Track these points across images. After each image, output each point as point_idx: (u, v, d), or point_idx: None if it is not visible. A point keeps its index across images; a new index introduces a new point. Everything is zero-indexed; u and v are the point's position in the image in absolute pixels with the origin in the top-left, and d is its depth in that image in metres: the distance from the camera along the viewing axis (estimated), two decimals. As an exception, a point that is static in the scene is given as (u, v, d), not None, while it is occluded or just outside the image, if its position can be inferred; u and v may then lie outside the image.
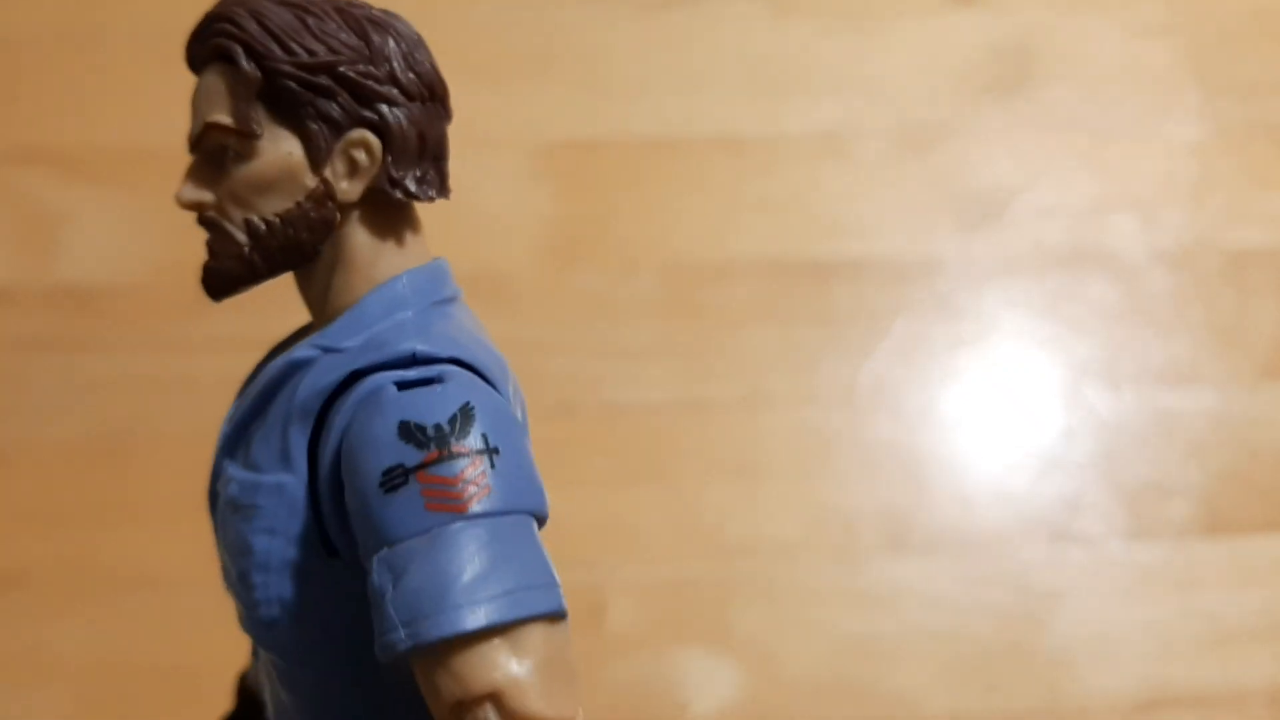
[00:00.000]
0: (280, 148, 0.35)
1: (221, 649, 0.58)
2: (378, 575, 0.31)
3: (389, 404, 0.32)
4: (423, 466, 0.31)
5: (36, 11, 0.87)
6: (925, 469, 0.79)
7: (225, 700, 0.50)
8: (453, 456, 0.31)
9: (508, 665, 0.30)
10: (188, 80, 0.36)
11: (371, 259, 0.36)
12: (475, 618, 0.30)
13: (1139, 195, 0.87)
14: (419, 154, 0.36)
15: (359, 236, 0.36)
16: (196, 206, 0.35)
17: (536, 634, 0.31)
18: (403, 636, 0.30)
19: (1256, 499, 0.80)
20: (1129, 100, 0.89)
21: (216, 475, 0.35)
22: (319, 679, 0.34)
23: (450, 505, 0.31)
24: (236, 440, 0.35)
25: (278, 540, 0.33)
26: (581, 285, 0.73)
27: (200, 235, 0.36)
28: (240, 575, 0.33)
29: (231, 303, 0.39)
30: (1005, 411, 0.77)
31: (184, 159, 0.36)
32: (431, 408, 0.32)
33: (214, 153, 0.35)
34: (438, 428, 0.32)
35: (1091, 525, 0.75)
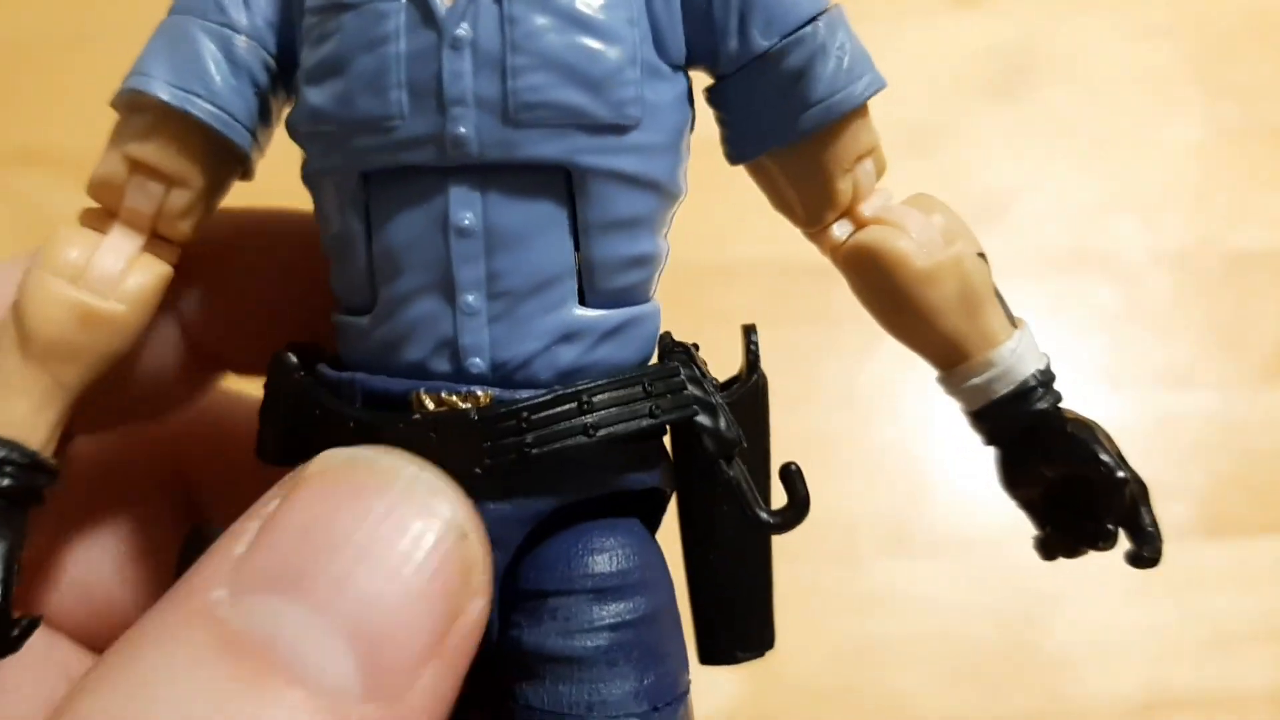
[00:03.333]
0: None
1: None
2: (810, 42, 0.33)
3: None
4: None
5: (37, 13, 0.87)
6: (926, 471, 0.79)
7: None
8: None
9: None
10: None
11: None
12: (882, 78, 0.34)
13: (1140, 197, 0.86)
14: None
15: None
16: None
17: None
18: (863, 85, 0.33)
19: (1257, 501, 0.80)
20: (1130, 102, 0.89)
21: None
22: (649, 195, 0.33)
23: None
24: None
25: (637, 31, 0.32)
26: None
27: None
28: (604, 74, 0.31)
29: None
30: (1006, 413, 0.77)
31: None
32: None
33: None
34: None
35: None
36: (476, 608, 0.29)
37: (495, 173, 0.31)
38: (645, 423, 0.32)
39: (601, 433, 0.32)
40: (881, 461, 0.79)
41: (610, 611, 0.32)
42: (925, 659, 0.76)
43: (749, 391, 0.37)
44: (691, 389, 0.34)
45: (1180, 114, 0.89)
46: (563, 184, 0.32)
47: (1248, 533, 0.79)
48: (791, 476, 0.34)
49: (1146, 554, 0.35)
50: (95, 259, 0.33)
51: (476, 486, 0.31)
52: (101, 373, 0.33)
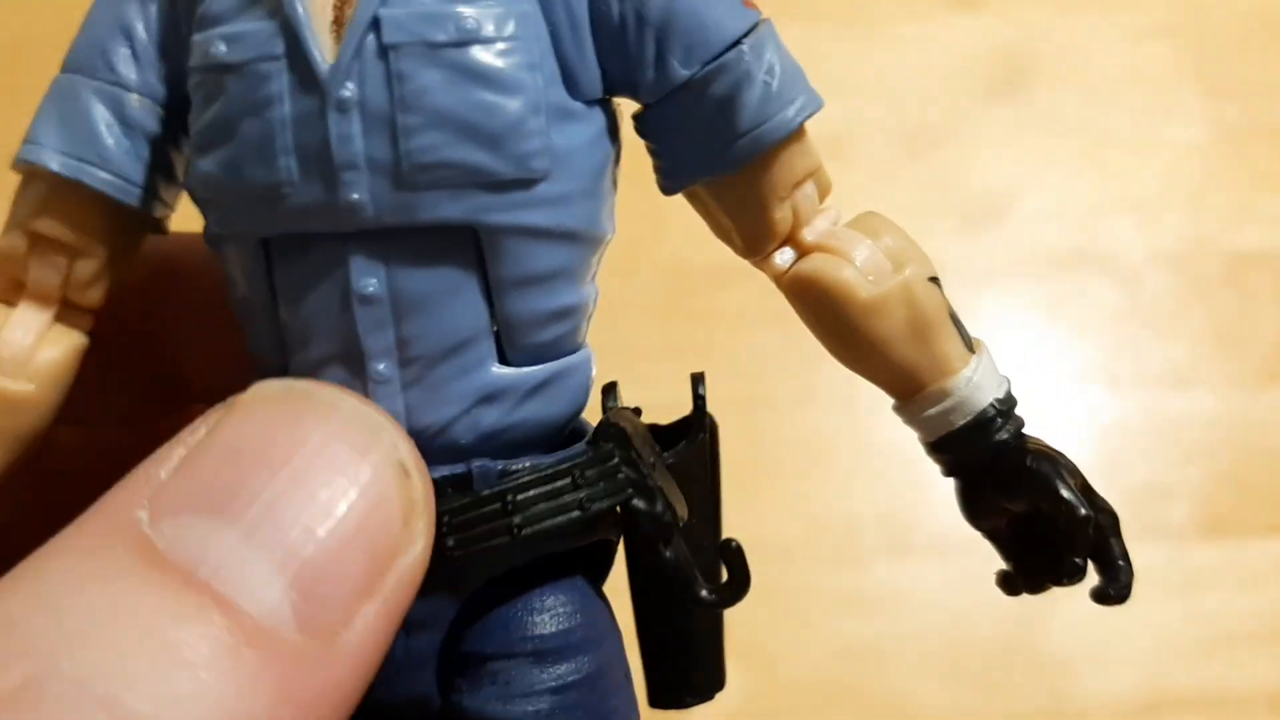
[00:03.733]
0: None
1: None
2: (735, 68, 0.30)
3: None
4: None
5: (41, 14, 0.87)
6: (926, 471, 0.78)
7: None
8: None
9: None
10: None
11: None
12: (818, 96, 0.32)
13: (1139, 198, 0.87)
14: None
15: None
16: None
17: None
18: (795, 110, 0.31)
19: (1257, 502, 0.80)
20: (1130, 103, 0.89)
21: (375, 25, 0.29)
22: (565, 246, 0.31)
23: (752, 3, 0.31)
24: None
25: (540, 76, 0.30)
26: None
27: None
28: (503, 127, 0.29)
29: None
30: (1006, 414, 0.77)
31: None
32: None
33: None
34: None
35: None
36: (416, 550, 0.27)
37: (396, 237, 0.29)
38: (574, 515, 0.31)
39: (526, 531, 0.30)
40: (882, 461, 0.79)
41: (551, 674, 0.31)
42: (925, 659, 0.76)
43: (696, 447, 0.35)
44: (626, 471, 0.32)
45: (1180, 114, 0.89)
46: (470, 242, 0.30)
47: (1248, 533, 0.79)
48: (731, 554, 0.33)
49: (1113, 592, 0.33)
50: (3, 336, 0.31)
51: None
52: (18, 453, 0.31)
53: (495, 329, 0.30)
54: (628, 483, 0.32)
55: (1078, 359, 0.82)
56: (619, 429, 0.32)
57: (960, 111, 0.88)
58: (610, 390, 0.34)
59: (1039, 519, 0.34)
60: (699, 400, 0.35)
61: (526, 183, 0.29)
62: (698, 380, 0.35)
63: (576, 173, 0.30)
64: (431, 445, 0.30)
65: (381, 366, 0.30)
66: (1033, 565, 0.35)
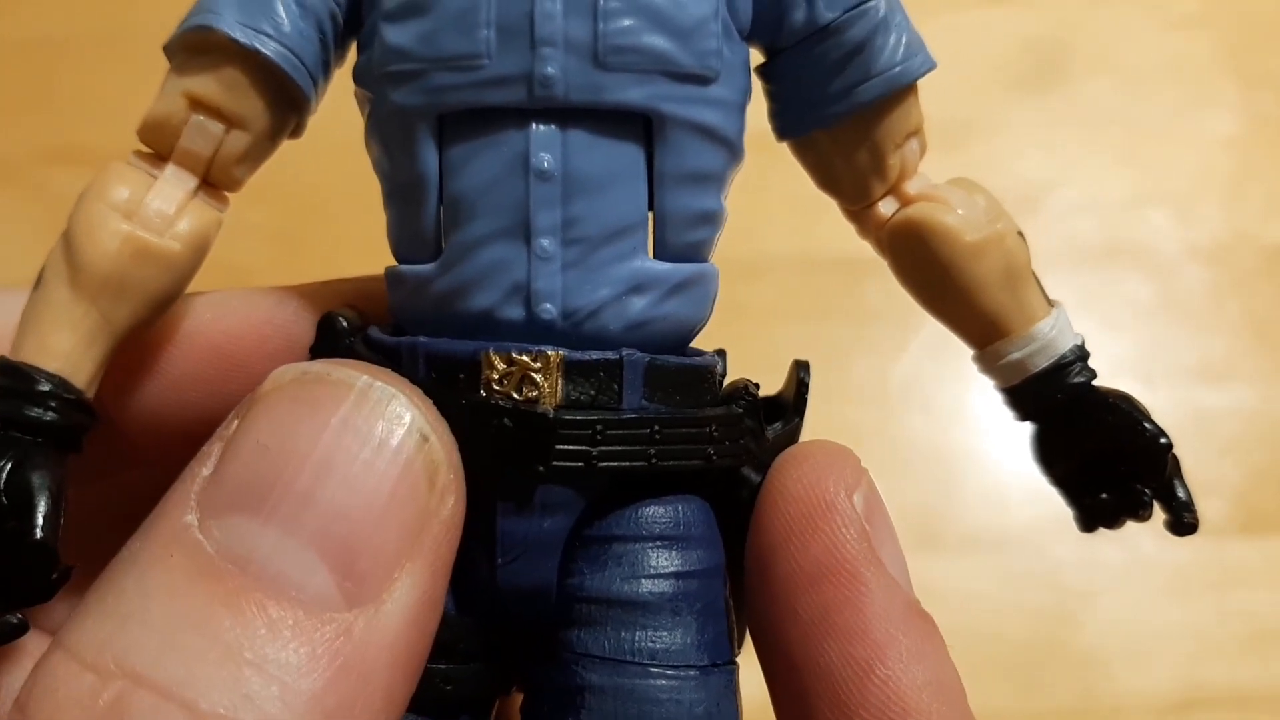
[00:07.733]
0: None
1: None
2: (872, 16, 0.34)
3: None
4: None
5: (70, 13, 0.88)
6: (957, 467, 0.78)
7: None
8: None
9: None
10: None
11: None
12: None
13: (1175, 190, 0.86)
14: None
15: None
16: None
17: None
18: (919, 62, 0.34)
19: (1294, 497, 0.79)
20: (1164, 94, 0.88)
21: None
22: (721, 151, 0.33)
23: None
24: None
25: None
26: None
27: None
28: (691, 23, 0.32)
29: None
30: (1038, 409, 0.76)
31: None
32: None
33: None
34: None
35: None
36: (447, 506, 0.30)
37: (577, 117, 0.31)
38: (699, 464, 0.33)
39: (661, 464, 0.32)
40: (912, 457, 0.79)
41: (675, 560, 0.33)
42: (957, 655, 0.75)
43: (791, 430, 0.38)
44: (747, 441, 0.34)
45: (1215, 105, 0.88)
46: (642, 132, 0.32)
47: (1284, 529, 0.78)
48: None
49: (1187, 519, 0.36)
50: (147, 199, 0.32)
51: (538, 477, 0.32)
52: (149, 316, 0.32)
53: (650, 222, 0.33)
54: (747, 451, 0.35)
55: (1112, 354, 0.81)
56: (753, 400, 0.35)
57: (993, 104, 0.87)
58: (722, 355, 0.36)
59: (1103, 464, 0.37)
60: (803, 386, 0.38)
61: (702, 79, 0.32)
62: (803, 368, 0.38)
63: (736, 86, 0.33)
64: (581, 328, 0.32)
65: (546, 243, 0.31)
66: (1098, 508, 0.37)
